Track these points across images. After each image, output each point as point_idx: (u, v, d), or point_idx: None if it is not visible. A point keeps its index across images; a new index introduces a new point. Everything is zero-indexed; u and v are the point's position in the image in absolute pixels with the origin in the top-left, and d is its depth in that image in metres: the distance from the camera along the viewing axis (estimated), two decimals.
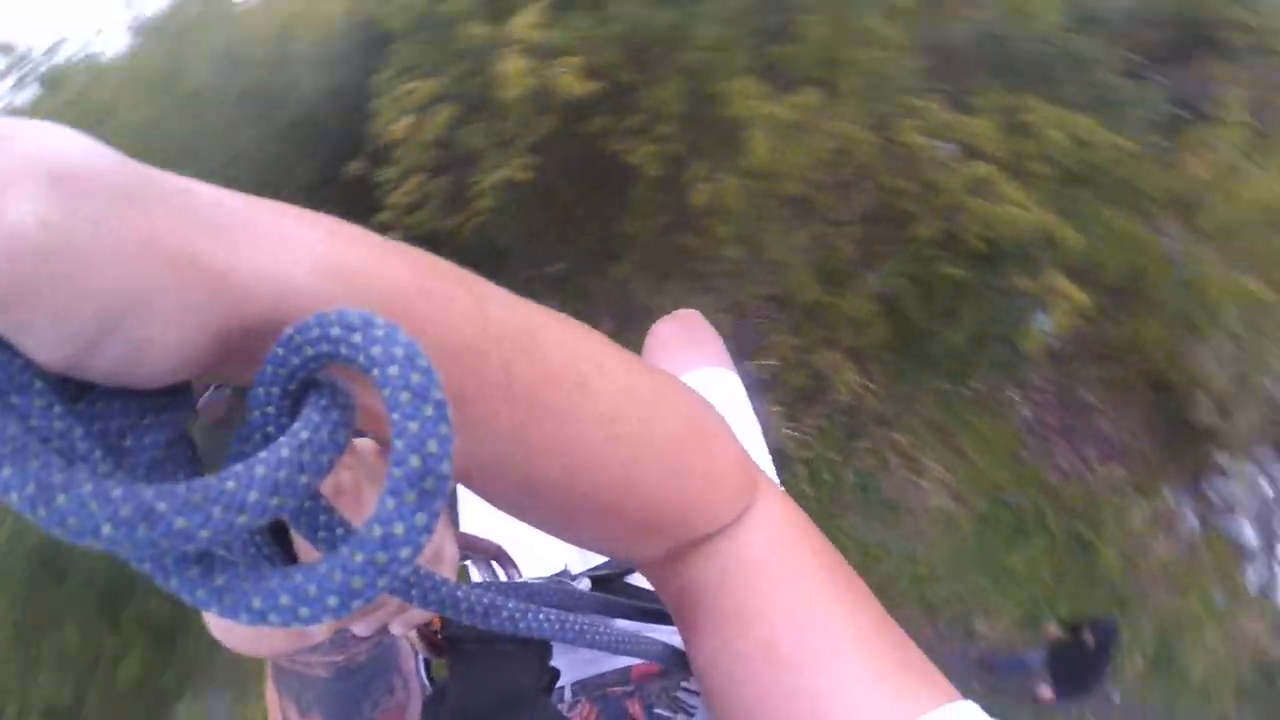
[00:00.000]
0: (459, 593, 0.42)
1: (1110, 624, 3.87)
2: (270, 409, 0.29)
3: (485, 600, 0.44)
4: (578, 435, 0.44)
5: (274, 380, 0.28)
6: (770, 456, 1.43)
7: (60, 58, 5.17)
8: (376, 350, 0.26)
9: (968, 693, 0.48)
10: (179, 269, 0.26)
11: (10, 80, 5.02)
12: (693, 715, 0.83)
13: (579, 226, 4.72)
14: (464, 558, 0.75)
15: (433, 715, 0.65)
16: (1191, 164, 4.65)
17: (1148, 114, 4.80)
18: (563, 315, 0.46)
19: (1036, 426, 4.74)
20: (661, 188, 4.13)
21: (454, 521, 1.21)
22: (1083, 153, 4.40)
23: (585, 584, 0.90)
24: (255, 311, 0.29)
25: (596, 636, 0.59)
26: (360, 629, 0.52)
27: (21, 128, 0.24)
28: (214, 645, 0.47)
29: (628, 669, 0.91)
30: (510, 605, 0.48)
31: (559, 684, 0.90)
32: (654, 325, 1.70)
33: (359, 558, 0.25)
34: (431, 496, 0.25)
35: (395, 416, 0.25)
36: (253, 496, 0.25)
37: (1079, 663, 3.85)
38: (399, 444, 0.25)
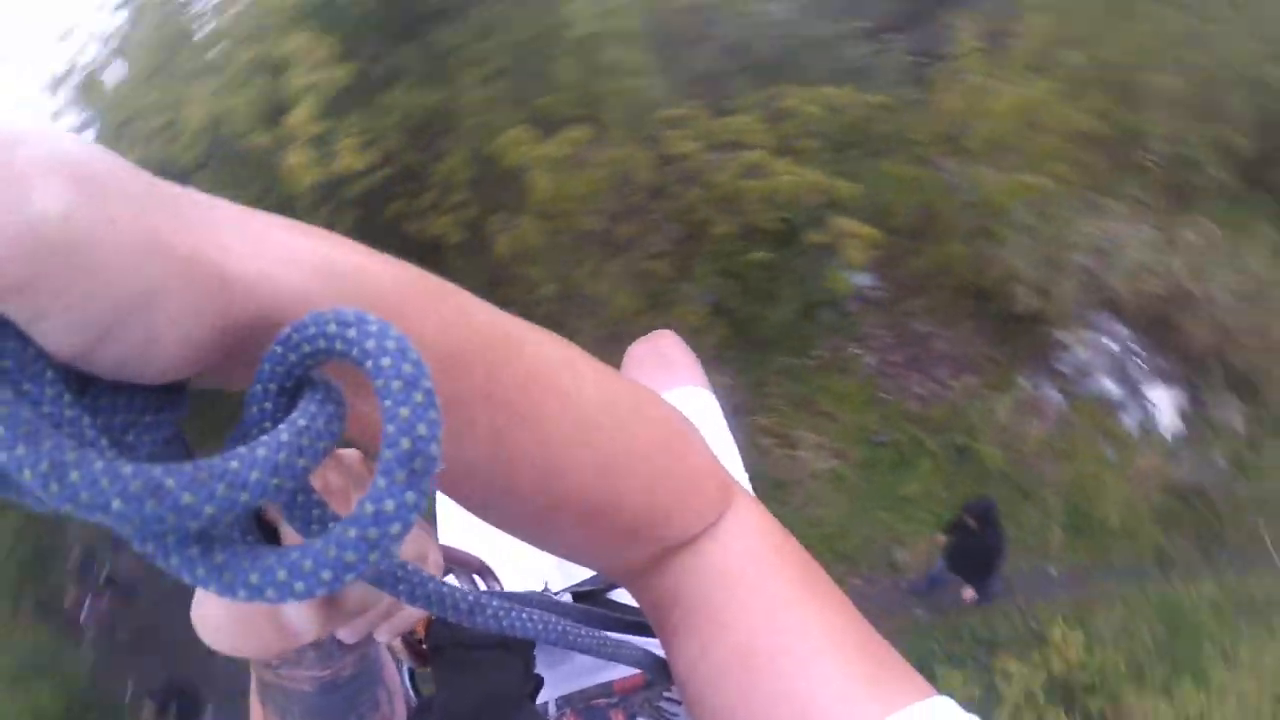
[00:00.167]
0: (444, 590, 0.43)
1: (983, 501, 4.05)
2: (268, 405, 0.30)
3: (470, 598, 0.45)
4: (554, 441, 0.46)
5: (272, 377, 0.30)
6: (746, 473, 1.46)
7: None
8: (370, 344, 0.27)
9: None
10: (184, 269, 0.27)
11: None
12: None
13: None
14: (447, 570, 0.75)
15: None
16: (946, 100, 5.18)
17: (893, 71, 5.38)
18: (542, 328, 0.48)
19: (885, 369, 5.06)
20: (467, 251, 4.41)
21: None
22: (841, 118, 4.93)
23: (567, 599, 0.92)
24: (253, 312, 0.30)
25: (578, 638, 0.60)
26: (346, 635, 0.53)
27: (37, 131, 0.25)
28: None
29: (610, 683, 0.93)
30: (494, 604, 0.49)
31: (543, 699, 0.92)
32: (630, 347, 1.74)
33: (352, 533, 0.27)
34: (420, 476, 0.27)
35: (388, 404, 0.27)
36: (254, 476, 0.26)
37: (974, 548, 3.98)
38: (390, 428, 0.27)
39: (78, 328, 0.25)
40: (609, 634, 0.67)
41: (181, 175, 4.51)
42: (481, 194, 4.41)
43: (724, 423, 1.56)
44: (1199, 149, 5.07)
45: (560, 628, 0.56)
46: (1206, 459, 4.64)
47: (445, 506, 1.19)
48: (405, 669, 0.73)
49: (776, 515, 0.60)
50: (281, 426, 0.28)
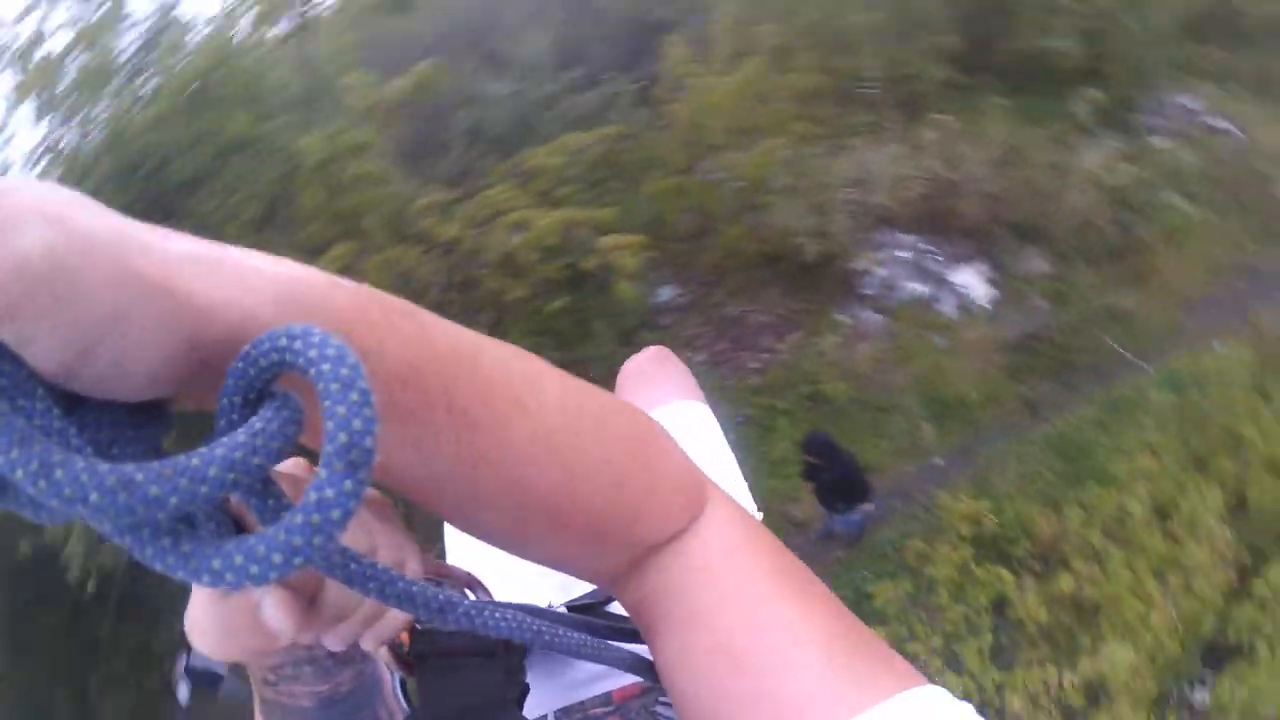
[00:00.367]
0: (414, 588, 0.44)
1: (816, 436, 4.16)
2: (234, 416, 0.32)
3: (441, 597, 0.46)
4: (516, 449, 0.47)
5: (235, 390, 0.32)
6: (746, 483, 1.48)
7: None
8: (313, 353, 0.30)
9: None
10: (155, 296, 0.30)
11: None
12: None
13: None
14: (437, 584, 0.70)
15: None
16: (677, 111, 5.57)
17: (624, 105, 5.80)
18: (503, 342, 0.50)
19: (717, 359, 5.20)
20: None
21: (441, 554, 1.30)
22: (585, 159, 5.24)
23: (563, 611, 0.93)
24: (220, 334, 0.32)
25: (555, 639, 0.61)
26: (331, 642, 0.54)
27: (20, 182, 0.28)
28: None
29: (609, 693, 0.94)
30: (466, 603, 0.49)
31: (542, 712, 0.93)
32: (625, 364, 1.78)
33: (298, 519, 0.29)
34: (356, 467, 0.29)
35: (327, 404, 0.29)
36: (213, 471, 0.28)
37: (831, 479, 4.09)
38: (329, 424, 0.29)
39: (61, 349, 0.28)
40: (590, 636, 0.68)
41: None
42: None
43: (720, 434, 1.57)
44: (914, 62, 5.49)
45: (535, 627, 0.57)
46: (1027, 307, 4.80)
47: (453, 532, 1.21)
48: (396, 679, 0.75)
49: None
50: (239, 430, 0.30)
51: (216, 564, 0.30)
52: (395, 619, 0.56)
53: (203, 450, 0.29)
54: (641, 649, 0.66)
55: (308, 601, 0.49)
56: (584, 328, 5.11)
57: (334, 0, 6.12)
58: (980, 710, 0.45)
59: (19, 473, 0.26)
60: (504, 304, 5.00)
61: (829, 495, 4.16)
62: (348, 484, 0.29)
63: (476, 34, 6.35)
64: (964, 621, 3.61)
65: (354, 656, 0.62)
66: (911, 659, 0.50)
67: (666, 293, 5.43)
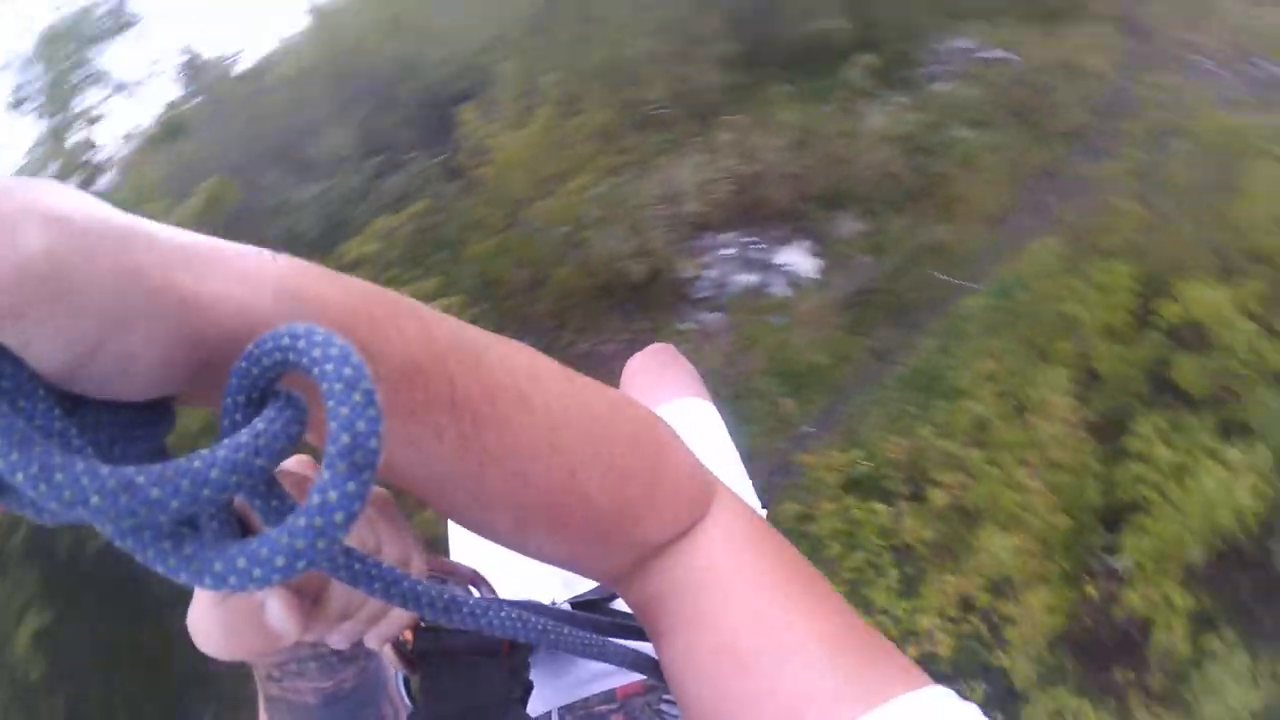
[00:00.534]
0: (419, 587, 0.44)
1: None
2: (237, 416, 0.32)
3: (446, 596, 0.46)
4: (520, 445, 0.46)
5: (239, 390, 0.32)
6: (751, 481, 1.49)
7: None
8: (316, 352, 0.29)
9: None
10: (157, 296, 0.30)
11: None
12: None
13: None
14: (440, 581, 0.76)
15: None
16: (487, 175, 5.65)
17: (431, 180, 5.88)
18: (507, 339, 0.50)
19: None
20: None
21: (446, 551, 1.32)
22: (398, 239, 5.31)
23: (566, 608, 0.91)
24: (222, 333, 0.32)
25: (560, 637, 0.60)
26: (336, 641, 0.53)
27: (25, 183, 0.28)
28: None
29: (613, 690, 0.93)
30: (471, 601, 0.49)
31: (546, 709, 0.93)
32: (629, 361, 1.79)
33: (301, 522, 0.28)
34: (360, 468, 0.29)
35: (330, 404, 0.29)
36: (215, 474, 0.28)
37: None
38: (333, 425, 0.29)
39: (63, 349, 0.28)
40: (594, 635, 0.67)
41: None
42: None
43: (725, 432, 1.57)
44: (698, 75, 5.66)
45: (540, 626, 0.56)
46: (852, 266, 4.90)
47: (456, 525, 1.18)
48: (400, 677, 0.74)
49: None
50: (242, 431, 0.30)
51: (219, 567, 0.29)
52: (399, 617, 0.56)
53: (204, 452, 0.29)
54: (646, 647, 0.65)
55: (311, 601, 0.49)
56: None
57: (118, 144, 6.14)
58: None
59: (19, 475, 0.26)
60: None
61: None
62: (351, 486, 0.29)
63: (277, 142, 6.39)
64: (868, 566, 3.59)
65: (358, 653, 0.62)
66: None
67: None
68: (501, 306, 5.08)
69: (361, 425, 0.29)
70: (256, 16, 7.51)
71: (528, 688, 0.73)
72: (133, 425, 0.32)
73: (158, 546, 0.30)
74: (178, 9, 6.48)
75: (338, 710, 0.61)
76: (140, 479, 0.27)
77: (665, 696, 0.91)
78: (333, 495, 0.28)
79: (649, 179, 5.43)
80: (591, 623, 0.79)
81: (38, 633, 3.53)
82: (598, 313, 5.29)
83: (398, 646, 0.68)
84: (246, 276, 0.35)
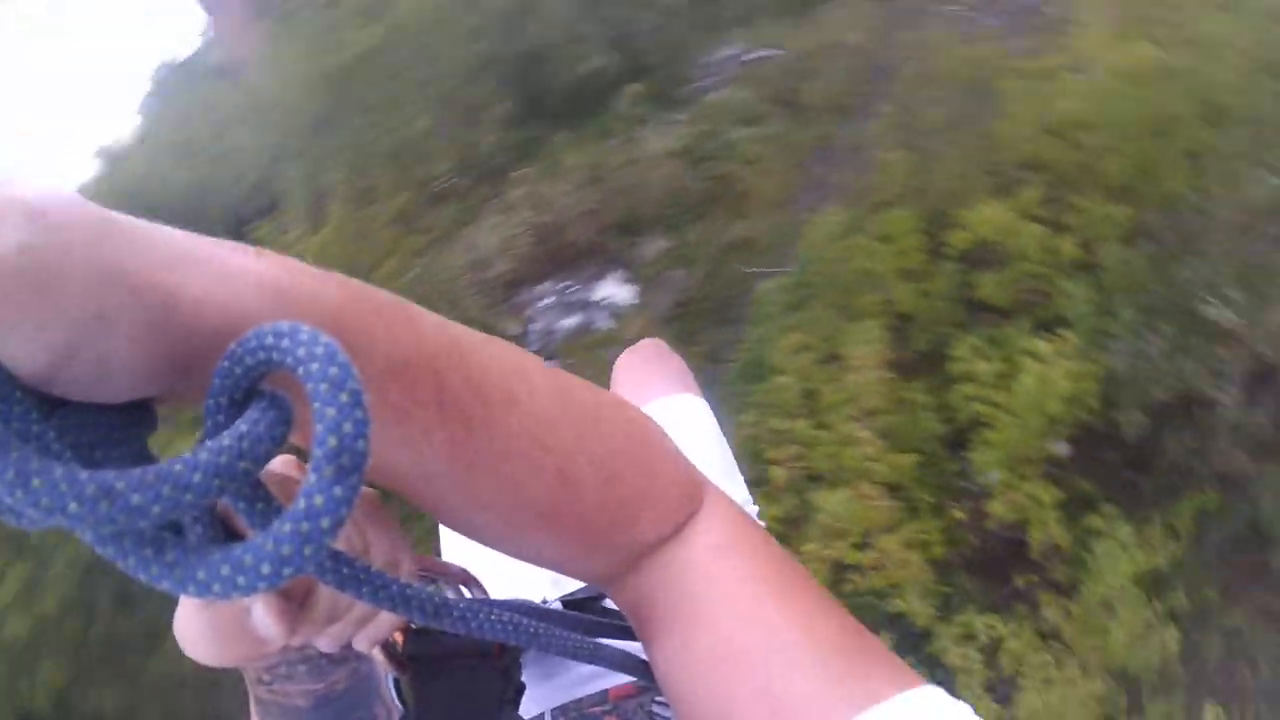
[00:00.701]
0: (408, 591, 0.43)
1: None
2: (221, 417, 0.32)
3: (436, 599, 0.45)
4: (510, 445, 0.46)
5: (222, 390, 0.32)
6: (742, 476, 1.47)
7: None
8: (301, 351, 0.29)
9: None
10: (137, 294, 0.29)
11: None
12: None
13: None
14: (431, 581, 0.75)
15: None
16: None
17: None
18: (494, 337, 0.49)
19: None
20: None
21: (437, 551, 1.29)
22: None
23: (557, 607, 0.90)
24: (204, 332, 0.32)
25: (552, 640, 0.59)
26: (324, 644, 0.52)
27: (2, 178, 0.27)
28: None
29: (605, 691, 0.92)
30: (460, 604, 0.48)
31: (539, 710, 0.92)
32: (619, 357, 1.77)
33: (286, 527, 0.28)
34: (347, 472, 0.28)
35: (316, 405, 0.28)
36: (197, 478, 0.27)
37: None
38: (319, 427, 0.28)
39: (40, 349, 0.27)
40: (586, 637, 0.67)
41: None
42: None
43: (716, 428, 1.56)
44: (480, 141, 5.69)
45: (532, 629, 0.55)
46: (666, 282, 4.96)
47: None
48: (390, 679, 0.73)
49: None
50: (225, 433, 0.29)
51: (202, 575, 0.29)
52: (388, 619, 0.55)
53: (187, 455, 0.28)
54: (636, 647, 0.64)
55: (297, 604, 0.49)
56: None
57: None
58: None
59: None
60: None
61: None
62: (338, 490, 0.28)
63: None
64: None
65: (349, 655, 0.60)
66: None
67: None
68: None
69: (348, 427, 0.28)
70: (42, 165, 7.37)
71: (519, 689, 0.73)
72: (114, 428, 0.31)
73: (139, 554, 0.29)
74: None
75: (329, 713, 0.60)
76: (120, 484, 0.26)
77: (657, 698, 0.91)
78: (319, 500, 0.28)
79: (454, 251, 5.41)
80: (583, 622, 0.80)
81: None
82: None
83: (388, 649, 0.67)
84: (229, 274, 0.34)
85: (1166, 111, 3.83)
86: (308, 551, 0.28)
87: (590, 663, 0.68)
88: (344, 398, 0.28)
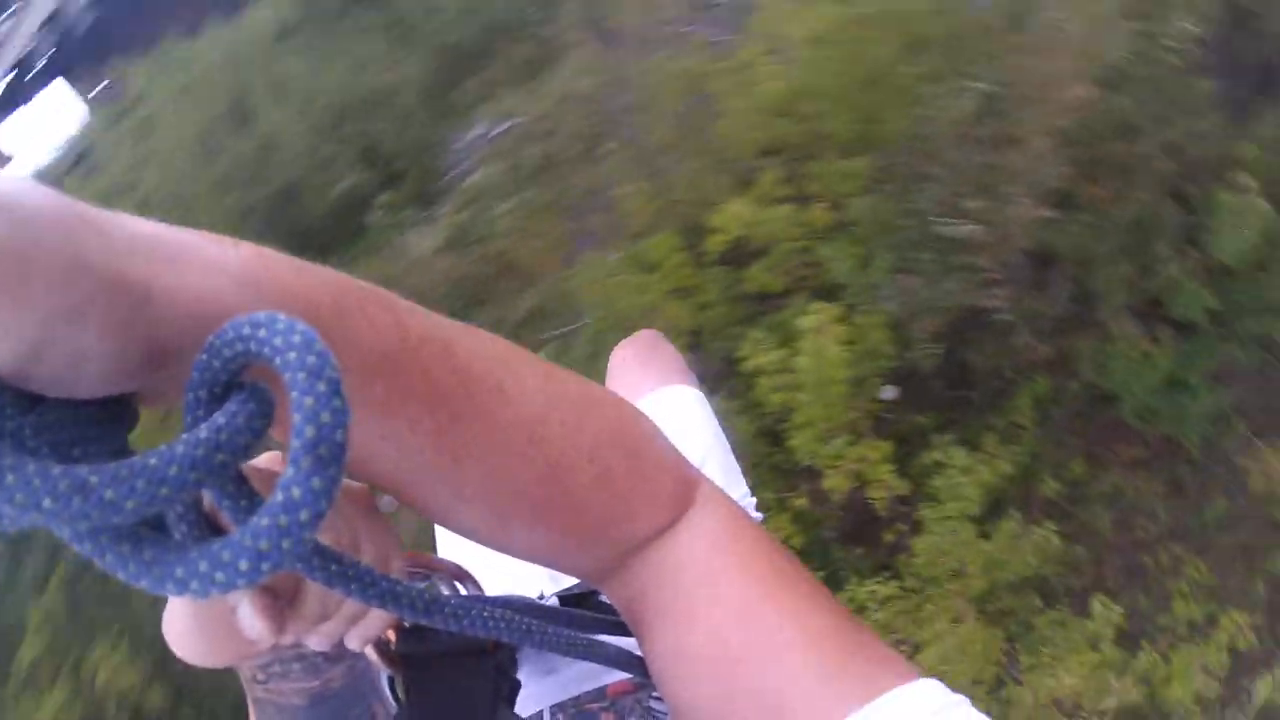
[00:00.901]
0: (398, 588, 0.42)
1: None
2: (201, 412, 0.32)
3: (426, 596, 0.45)
4: (498, 439, 0.46)
5: (201, 384, 0.31)
6: (740, 466, 1.43)
7: None
8: (278, 340, 0.29)
9: None
10: (109, 286, 0.29)
11: None
12: None
13: None
14: (424, 577, 0.75)
15: None
16: None
17: None
18: (480, 330, 0.49)
19: None
20: None
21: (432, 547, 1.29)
22: None
23: (554, 603, 0.89)
24: (179, 324, 0.32)
25: (544, 637, 0.59)
26: (315, 642, 0.52)
27: None
28: None
29: (603, 687, 0.91)
30: (452, 601, 0.48)
31: (538, 708, 0.91)
32: (615, 349, 1.75)
33: (264, 522, 0.28)
34: (326, 463, 0.28)
35: (294, 395, 0.28)
36: (173, 471, 0.27)
37: None
38: (297, 417, 0.28)
39: (10, 344, 0.27)
40: (580, 633, 0.67)
41: None
42: None
43: (713, 420, 1.53)
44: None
45: (525, 625, 0.56)
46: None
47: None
48: (384, 677, 0.71)
49: None
50: (202, 425, 0.30)
51: (180, 572, 0.29)
52: (380, 617, 0.55)
53: (162, 448, 0.28)
54: (632, 644, 0.64)
55: (286, 602, 0.49)
56: None
57: None
58: None
59: None
60: None
61: None
62: (317, 482, 0.28)
63: None
64: None
65: (344, 652, 0.59)
66: None
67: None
68: None
69: (326, 417, 0.28)
70: None
71: (515, 686, 0.73)
72: (93, 424, 0.31)
73: (116, 551, 0.29)
74: None
75: (325, 710, 0.59)
76: (93, 479, 0.26)
77: (654, 694, 0.90)
78: (297, 492, 0.28)
79: None
80: (578, 619, 0.78)
81: None
82: None
83: (381, 647, 0.66)
84: (206, 266, 0.34)
85: (870, 56, 3.95)
86: (286, 546, 0.27)
87: (585, 659, 0.67)
88: (322, 386, 0.28)
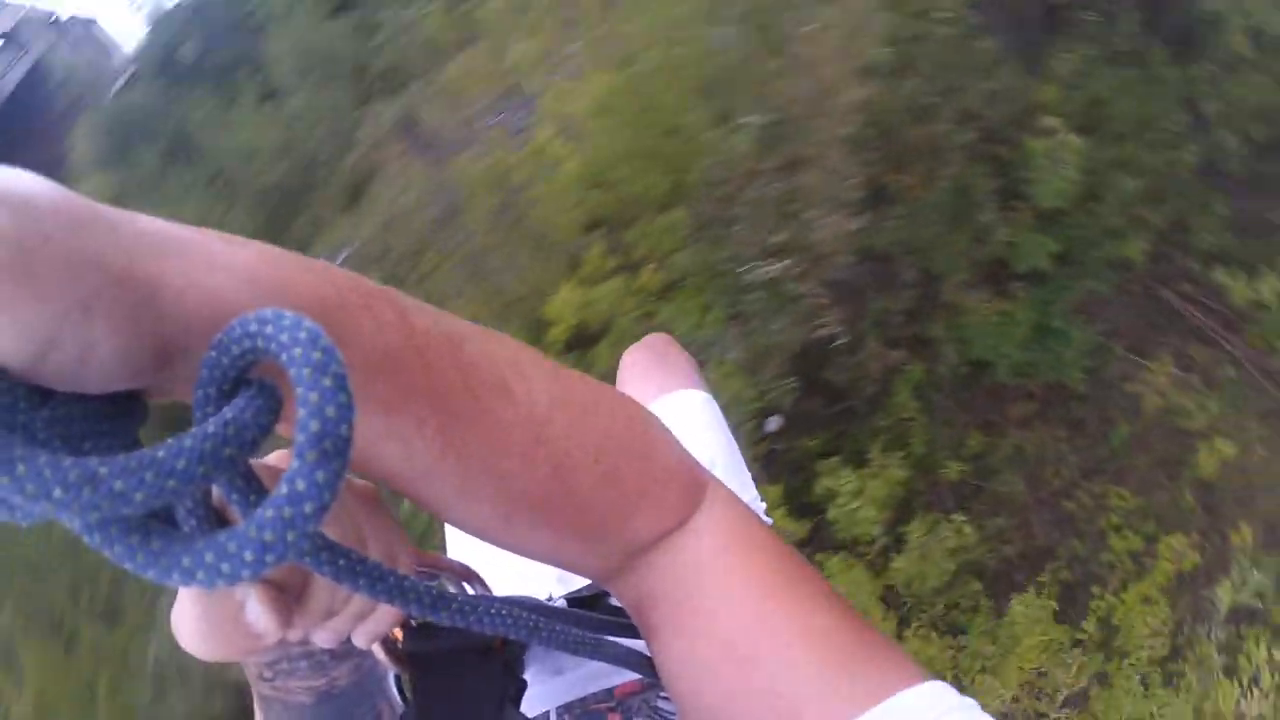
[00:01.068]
0: (405, 583, 0.42)
1: None
2: (210, 408, 0.31)
3: (434, 592, 0.44)
4: (503, 438, 0.45)
5: (210, 381, 0.31)
6: (749, 472, 1.43)
7: None
8: (284, 337, 0.29)
9: None
10: (118, 282, 0.29)
11: None
12: None
13: None
14: (431, 577, 0.72)
15: None
16: None
17: None
18: (487, 328, 0.48)
19: None
20: None
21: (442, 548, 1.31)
22: None
23: (562, 604, 0.87)
24: (188, 321, 0.31)
25: (552, 634, 0.58)
26: (322, 639, 0.51)
27: None
28: None
29: (611, 688, 0.91)
30: (461, 598, 0.48)
31: (545, 708, 0.91)
32: (625, 353, 1.71)
33: (269, 513, 0.28)
34: (330, 457, 0.28)
35: (299, 390, 0.28)
36: (181, 464, 0.27)
37: None
38: (302, 412, 0.28)
39: (21, 338, 0.26)
40: (588, 632, 0.66)
41: None
42: None
43: (723, 424, 1.52)
44: None
45: (531, 623, 0.55)
46: None
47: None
48: (391, 676, 0.70)
49: None
50: (210, 419, 0.30)
51: (186, 562, 0.29)
52: (387, 614, 0.54)
53: (170, 441, 0.28)
54: (640, 644, 0.64)
55: (294, 597, 0.48)
56: None
57: None
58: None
59: None
60: None
61: None
62: (321, 475, 0.28)
63: None
64: None
65: (352, 650, 0.59)
66: None
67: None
68: None
69: (331, 411, 0.28)
70: None
71: (521, 686, 0.72)
72: (103, 419, 0.31)
73: (125, 542, 0.29)
74: None
75: (332, 708, 0.58)
76: (103, 470, 0.26)
77: (662, 694, 0.90)
78: (301, 485, 0.28)
79: None
80: (586, 620, 0.78)
81: None
82: None
83: (388, 645, 0.65)
84: (214, 264, 0.34)
85: (657, 109, 3.97)
86: (291, 537, 0.27)
87: (593, 658, 0.67)
88: (327, 381, 0.28)
